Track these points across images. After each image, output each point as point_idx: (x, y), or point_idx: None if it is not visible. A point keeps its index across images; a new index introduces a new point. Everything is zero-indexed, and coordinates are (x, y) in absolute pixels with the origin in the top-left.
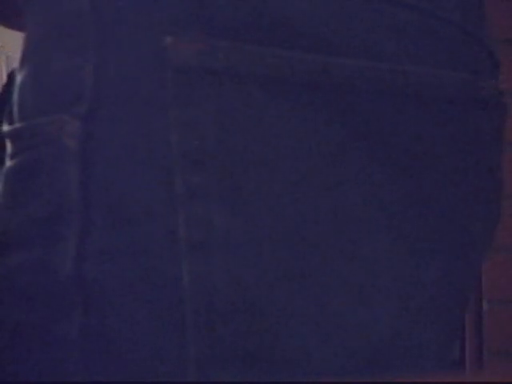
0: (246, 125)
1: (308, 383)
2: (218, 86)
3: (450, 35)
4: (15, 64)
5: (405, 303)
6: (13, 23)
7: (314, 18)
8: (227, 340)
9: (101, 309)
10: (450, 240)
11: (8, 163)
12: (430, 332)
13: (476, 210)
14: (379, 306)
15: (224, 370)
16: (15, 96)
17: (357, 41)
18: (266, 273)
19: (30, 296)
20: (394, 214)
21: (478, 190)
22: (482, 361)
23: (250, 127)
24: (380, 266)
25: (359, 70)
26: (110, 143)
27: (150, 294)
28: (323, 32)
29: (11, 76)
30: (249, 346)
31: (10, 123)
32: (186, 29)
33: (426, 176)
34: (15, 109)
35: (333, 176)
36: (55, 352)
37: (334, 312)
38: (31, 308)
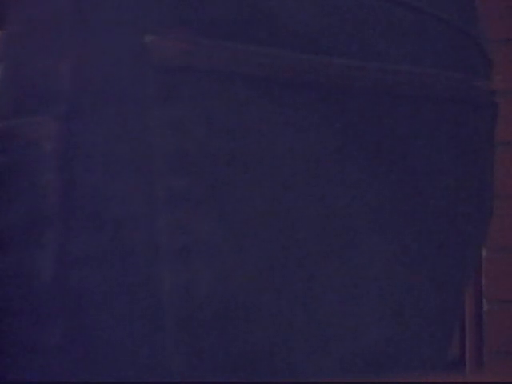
0: (232, 126)
1: (308, 383)
2: (201, 86)
3: (443, 33)
4: None
5: (398, 307)
6: None
7: (303, 15)
8: (209, 348)
9: (83, 314)
10: (442, 240)
11: None
12: (424, 335)
13: (468, 210)
14: (371, 312)
15: (206, 378)
16: None
17: (347, 39)
18: (250, 280)
19: (11, 302)
20: (386, 215)
21: (470, 189)
22: (481, 361)
23: (236, 128)
24: (371, 270)
25: (349, 69)
26: (90, 145)
27: (130, 300)
28: (312, 30)
29: None
30: (232, 354)
31: None
32: (168, 27)
33: (418, 176)
34: None
35: (322, 178)
36: (38, 358)
37: (323, 319)
38: (12, 314)
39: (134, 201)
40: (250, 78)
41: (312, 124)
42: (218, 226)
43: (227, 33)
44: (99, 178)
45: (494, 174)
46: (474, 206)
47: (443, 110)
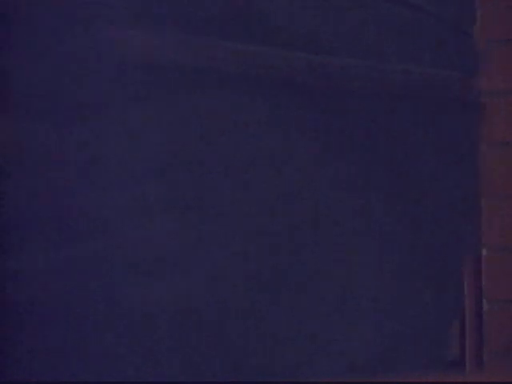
0: (207, 127)
1: (308, 383)
2: (167, 85)
3: (438, 31)
4: None
5: (391, 318)
6: None
7: (295, 13)
8: (180, 363)
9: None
10: (434, 240)
11: None
12: (420, 336)
13: (458, 209)
14: (362, 322)
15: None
16: None
17: (341, 38)
18: (225, 293)
19: None
20: (378, 219)
21: (460, 189)
22: (481, 361)
23: (211, 130)
24: (364, 271)
25: (344, 69)
26: (44, 148)
27: (97, 312)
28: (305, 28)
29: None
30: (202, 369)
31: None
32: (132, 22)
33: (410, 176)
34: None
35: (309, 181)
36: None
37: (310, 332)
38: None
39: (103, 211)
40: (225, 76)
41: (307, 125)
42: (195, 236)
43: (210, 30)
44: (64, 185)
45: (480, 173)
46: (464, 205)
47: (437, 110)
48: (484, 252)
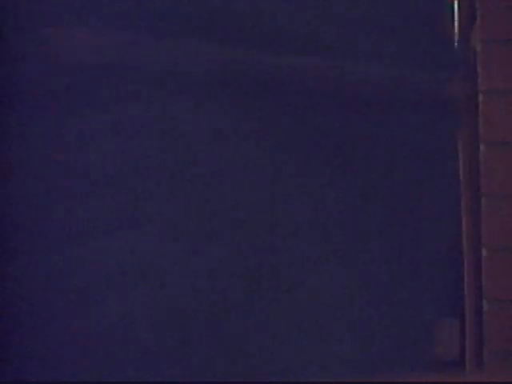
0: (159, 131)
1: (308, 383)
2: (111, 86)
3: (416, 31)
4: None
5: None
6: None
7: (264, 12)
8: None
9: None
10: (411, 243)
11: None
12: (404, 338)
13: (438, 208)
14: (336, 336)
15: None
16: None
17: (298, 34)
18: (204, 300)
19: None
20: (356, 220)
21: (437, 189)
22: (482, 361)
23: (164, 133)
24: (336, 274)
25: (313, 69)
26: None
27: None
28: (274, 29)
29: None
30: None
31: None
32: (75, 22)
33: (386, 177)
34: None
35: (273, 185)
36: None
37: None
38: None
39: (81, 221)
40: (169, 75)
41: (247, 124)
42: (167, 246)
43: (145, 26)
44: (34, 197)
45: (457, 173)
46: (443, 203)
47: (410, 112)
48: (484, 252)
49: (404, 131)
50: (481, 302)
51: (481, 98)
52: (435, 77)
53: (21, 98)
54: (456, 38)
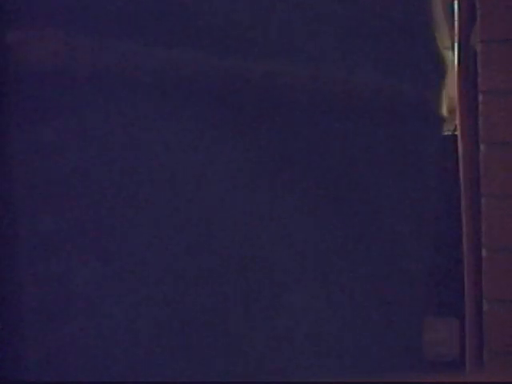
0: (117, 140)
1: (308, 383)
2: (78, 91)
3: (390, 36)
4: None
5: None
6: None
7: (228, 17)
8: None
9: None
10: (389, 249)
11: None
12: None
13: (413, 213)
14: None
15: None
16: None
17: (276, 40)
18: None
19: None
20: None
21: (413, 193)
22: (482, 361)
23: (121, 143)
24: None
25: (275, 76)
26: None
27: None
28: (239, 33)
29: None
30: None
31: None
32: (39, 26)
33: (358, 184)
34: None
35: (242, 192)
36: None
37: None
38: None
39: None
40: (137, 80)
41: (224, 133)
42: (109, 270)
43: (113, 31)
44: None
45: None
46: (418, 208)
47: (383, 118)
48: (484, 252)
49: (380, 137)
50: (481, 302)
51: (481, 97)
52: (409, 83)
53: None
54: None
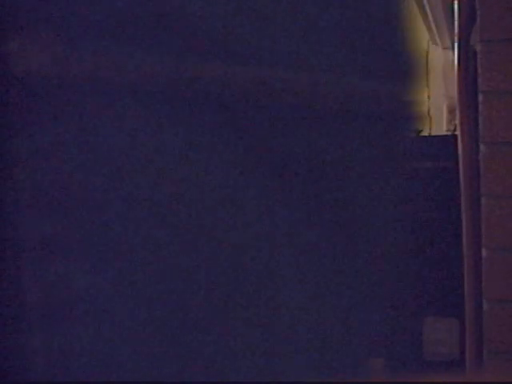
0: (110, 148)
1: (308, 383)
2: (75, 99)
3: (365, 40)
4: None
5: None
6: None
7: (212, 20)
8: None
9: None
10: (363, 255)
11: None
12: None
13: (388, 216)
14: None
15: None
16: None
17: (244, 43)
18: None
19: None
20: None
21: (388, 198)
22: (481, 361)
23: (115, 151)
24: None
25: (262, 80)
26: None
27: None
28: (223, 37)
29: None
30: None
31: None
32: (35, 34)
33: (336, 189)
34: None
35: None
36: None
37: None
38: None
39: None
40: (133, 88)
41: (210, 140)
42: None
43: (107, 38)
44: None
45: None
46: (392, 210)
47: (362, 123)
48: (484, 252)
49: (357, 140)
50: (481, 302)
51: (481, 97)
52: (383, 85)
53: None
54: (456, 38)
